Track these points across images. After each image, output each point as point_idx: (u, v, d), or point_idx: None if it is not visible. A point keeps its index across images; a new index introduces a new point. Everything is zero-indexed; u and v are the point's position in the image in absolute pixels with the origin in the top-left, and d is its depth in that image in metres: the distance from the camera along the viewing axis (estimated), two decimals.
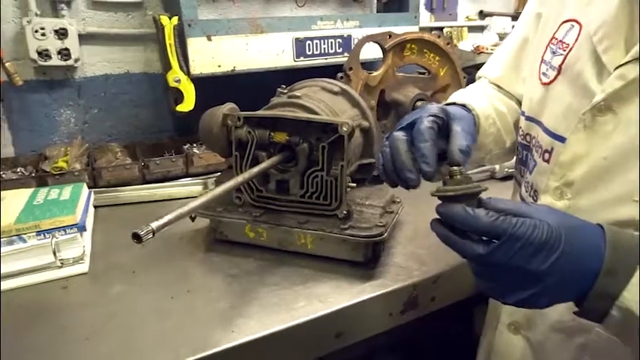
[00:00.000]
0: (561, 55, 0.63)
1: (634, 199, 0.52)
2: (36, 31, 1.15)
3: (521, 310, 0.70)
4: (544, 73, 0.66)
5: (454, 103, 0.74)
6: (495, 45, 1.70)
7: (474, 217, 0.46)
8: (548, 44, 0.66)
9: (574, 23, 0.62)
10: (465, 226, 0.48)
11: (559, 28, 0.64)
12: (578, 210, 0.57)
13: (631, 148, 0.53)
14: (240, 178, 0.67)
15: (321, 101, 0.86)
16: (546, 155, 0.65)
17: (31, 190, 0.97)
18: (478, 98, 0.78)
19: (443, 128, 0.61)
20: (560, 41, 0.63)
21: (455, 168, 0.49)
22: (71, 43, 1.19)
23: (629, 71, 0.52)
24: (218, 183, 0.89)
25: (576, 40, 0.61)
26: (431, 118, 0.60)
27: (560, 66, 0.63)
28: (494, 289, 0.50)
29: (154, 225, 0.47)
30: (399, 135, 0.61)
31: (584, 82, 0.58)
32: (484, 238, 0.47)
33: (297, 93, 0.86)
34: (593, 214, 0.50)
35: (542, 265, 0.44)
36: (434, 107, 0.63)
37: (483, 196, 0.51)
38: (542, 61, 0.67)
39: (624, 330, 0.46)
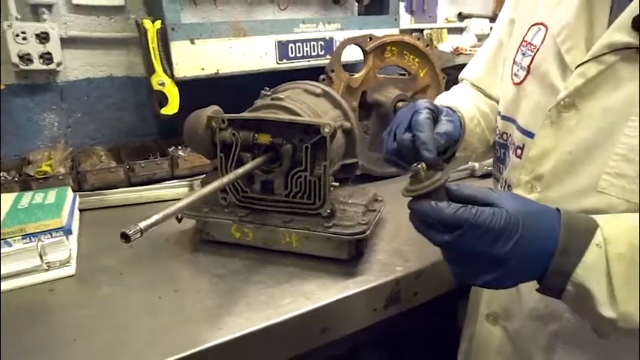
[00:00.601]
0: (530, 56, 0.66)
1: (597, 189, 0.55)
2: (17, 35, 1.15)
3: (497, 300, 0.73)
4: (515, 74, 0.70)
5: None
6: (474, 46, 1.74)
7: (438, 210, 0.50)
8: (519, 46, 0.70)
9: (541, 26, 0.65)
10: (432, 219, 0.51)
11: (528, 30, 0.68)
12: (548, 202, 0.59)
13: (593, 142, 0.56)
14: (225, 179, 0.69)
15: (304, 103, 0.88)
16: (518, 151, 0.68)
17: (15, 194, 0.97)
18: (462, 100, 0.82)
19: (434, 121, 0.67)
20: (529, 43, 0.67)
21: (417, 166, 0.52)
22: (53, 47, 1.19)
23: (589, 69, 0.55)
24: (204, 184, 0.90)
25: (542, 41, 0.64)
26: (427, 110, 0.66)
27: (529, 66, 0.66)
28: (463, 273, 0.53)
29: (142, 225, 0.48)
30: (424, 114, 0.66)
31: (550, 81, 0.61)
32: (450, 228, 0.50)
33: (281, 95, 0.88)
34: (561, 205, 0.53)
35: (503, 249, 0.48)
36: (428, 102, 0.68)
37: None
38: (514, 63, 0.71)
39: (580, 304, 0.49)
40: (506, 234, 0.47)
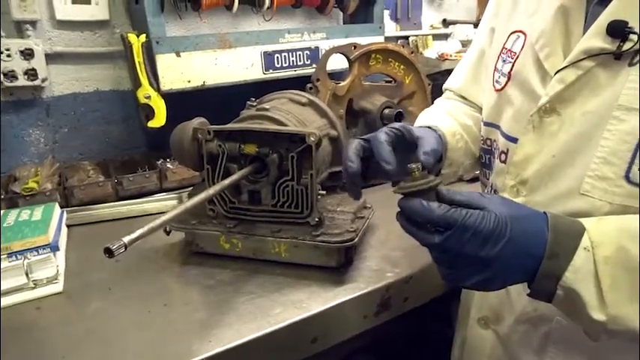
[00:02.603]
0: (510, 62, 0.67)
1: (580, 192, 0.56)
2: (1, 53, 1.14)
3: (488, 304, 0.73)
4: (497, 81, 0.71)
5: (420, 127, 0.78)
6: (459, 52, 1.76)
7: (428, 209, 0.50)
8: (500, 54, 0.71)
9: (520, 34, 0.66)
10: (422, 218, 0.51)
11: (508, 38, 0.69)
12: (534, 205, 0.59)
13: (574, 146, 0.57)
14: (211, 191, 0.69)
15: (289, 112, 0.88)
16: (503, 156, 0.69)
17: (1, 212, 0.96)
18: (441, 118, 0.82)
19: (406, 142, 0.66)
20: (509, 50, 0.68)
21: (413, 166, 0.52)
22: (38, 63, 1.19)
23: (567, 75, 0.57)
24: (191, 196, 0.90)
25: (522, 48, 0.65)
26: (387, 129, 0.65)
27: (509, 73, 0.67)
28: (452, 274, 0.53)
29: (126, 239, 0.48)
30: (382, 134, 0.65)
31: (531, 87, 0.63)
32: (440, 229, 0.50)
33: (266, 105, 0.88)
34: (547, 208, 0.53)
35: (491, 251, 0.48)
36: (394, 124, 0.68)
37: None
38: (495, 69, 0.72)
39: (570, 307, 0.50)
40: (495, 236, 0.48)
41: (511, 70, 0.67)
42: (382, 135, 0.63)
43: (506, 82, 0.68)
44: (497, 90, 0.71)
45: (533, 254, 0.49)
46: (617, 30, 0.52)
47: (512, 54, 0.67)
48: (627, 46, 0.51)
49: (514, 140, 0.66)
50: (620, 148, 0.52)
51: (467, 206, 0.51)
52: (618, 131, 0.52)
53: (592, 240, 0.48)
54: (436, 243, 0.50)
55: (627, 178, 0.52)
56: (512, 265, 0.50)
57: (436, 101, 0.96)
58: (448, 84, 0.94)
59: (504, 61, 0.69)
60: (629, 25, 0.51)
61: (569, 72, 0.56)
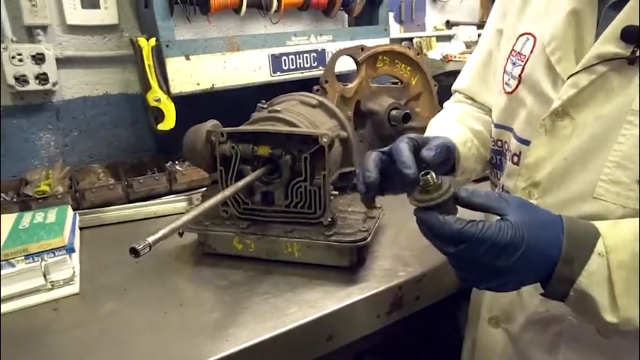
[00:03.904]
0: (520, 65, 0.68)
1: (593, 196, 0.57)
2: (13, 57, 1.15)
3: (499, 304, 0.74)
4: (507, 83, 0.71)
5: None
6: (463, 53, 1.77)
7: (444, 224, 0.51)
8: (509, 56, 0.71)
9: (529, 36, 0.67)
10: (438, 232, 0.52)
11: (517, 40, 0.69)
12: (546, 208, 0.60)
13: (587, 150, 0.57)
14: (227, 192, 0.70)
15: (301, 114, 0.89)
16: (515, 158, 0.70)
17: (15, 215, 0.97)
18: (452, 127, 0.82)
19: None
20: (519, 53, 0.68)
21: (427, 177, 0.53)
22: (49, 67, 1.20)
23: (580, 79, 0.57)
24: (204, 198, 0.91)
25: (532, 51, 0.66)
26: (406, 138, 0.66)
27: (519, 75, 0.68)
28: (467, 277, 0.55)
29: (151, 239, 0.49)
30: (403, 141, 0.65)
31: (542, 90, 0.63)
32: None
33: (277, 107, 0.89)
34: (559, 211, 0.54)
35: (507, 262, 0.49)
36: (411, 134, 0.68)
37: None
38: (504, 72, 0.72)
39: (583, 308, 0.52)
40: (511, 248, 0.49)
41: (521, 72, 0.67)
42: (403, 143, 0.64)
43: (517, 85, 0.68)
44: (507, 93, 0.71)
45: (549, 260, 0.50)
46: (631, 35, 0.52)
47: (522, 57, 0.67)
48: None
49: (527, 143, 0.66)
50: (633, 152, 0.53)
51: (486, 210, 0.52)
52: (632, 136, 0.53)
53: (606, 245, 0.49)
54: (452, 253, 0.51)
55: None
56: (528, 272, 0.51)
57: (445, 105, 0.97)
58: (456, 85, 0.95)
59: (514, 63, 0.69)
60: None
61: (582, 76, 0.57)
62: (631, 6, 0.53)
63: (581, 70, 0.57)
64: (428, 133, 0.82)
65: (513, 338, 0.73)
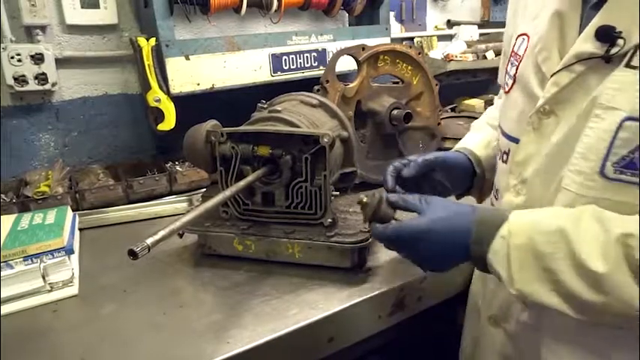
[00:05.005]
0: (515, 65, 0.69)
1: (562, 186, 0.59)
2: (12, 58, 1.15)
3: (497, 303, 0.75)
4: (506, 83, 0.73)
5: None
6: (464, 52, 1.76)
7: (379, 232, 0.68)
8: (510, 57, 0.73)
9: (524, 37, 0.68)
10: (377, 237, 0.69)
11: (516, 41, 0.71)
12: (533, 203, 0.63)
13: (565, 145, 0.59)
14: (227, 192, 0.69)
15: (301, 114, 0.89)
16: (505, 157, 0.71)
17: (14, 216, 0.97)
18: (476, 135, 0.90)
19: (442, 168, 0.82)
20: (516, 53, 0.70)
21: (363, 199, 0.70)
22: (48, 67, 1.19)
23: (561, 78, 0.59)
24: (205, 198, 0.91)
25: (525, 51, 0.67)
26: (391, 165, 0.80)
27: (514, 75, 0.70)
28: (417, 264, 0.69)
29: (149, 241, 0.49)
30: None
31: (531, 89, 0.65)
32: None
33: (278, 107, 0.89)
34: (544, 205, 0.59)
35: (428, 248, 0.64)
36: (429, 154, 0.82)
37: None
38: (506, 72, 0.74)
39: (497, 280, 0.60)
40: (426, 237, 0.63)
41: (516, 72, 0.69)
42: (389, 167, 0.79)
43: (512, 85, 0.70)
44: (505, 92, 0.73)
45: (463, 243, 0.61)
46: (605, 35, 0.54)
47: (518, 57, 0.69)
48: (615, 49, 0.53)
49: (516, 141, 0.68)
50: (596, 144, 0.54)
51: (410, 210, 0.67)
52: (597, 128, 0.55)
53: (509, 229, 0.58)
54: (391, 248, 0.70)
55: (602, 173, 0.54)
56: (449, 254, 0.63)
57: (488, 108, 0.99)
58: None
59: (512, 64, 0.71)
60: (617, 30, 0.53)
61: (563, 75, 0.59)
62: (607, 6, 0.55)
63: (562, 69, 0.59)
64: (458, 145, 0.91)
65: (511, 336, 0.73)
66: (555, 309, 0.55)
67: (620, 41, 0.52)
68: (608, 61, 0.54)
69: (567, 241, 0.53)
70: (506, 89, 0.72)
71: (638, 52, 0.52)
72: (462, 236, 0.61)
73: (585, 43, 0.56)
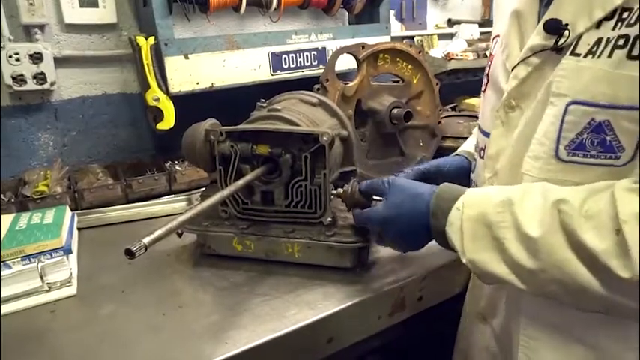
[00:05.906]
0: (489, 64, 0.73)
1: (521, 171, 0.61)
2: (10, 57, 1.14)
3: (484, 299, 0.76)
4: (485, 83, 0.75)
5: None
6: (465, 51, 1.75)
7: (356, 219, 0.76)
8: (489, 58, 0.75)
9: (497, 38, 0.71)
10: (356, 223, 0.77)
11: (493, 42, 0.74)
12: None
13: (527, 135, 0.61)
14: (226, 192, 0.69)
15: (301, 113, 0.88)
16: (482, 152, 0.74)
17: (13, 215, 0.96)
18: (475, 134, 0.88)
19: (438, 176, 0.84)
20: (491, 54, 0.73)
21: (339, 191, 0.78)
22: (46, 66, 1.19)
23: (519, 71, 0.62)
24: (204, 197, 0.90)
25: (495, 50, 0.70)
26: (414, 169, 0.85)
27: (487, 74, 0.73)
28: (390, 246, 0.74)
29: (146, 240, 0.48)
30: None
31: (499, 85, 0.68)
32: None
33: (277, 106, 0.88)
34: None
35: (393, 229, 0.68)
36: (423, 165, 0.87)
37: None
38: (485, 74, 0.76)
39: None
40: (390, 219, 0.68)
41: (489, 71, 0.73)
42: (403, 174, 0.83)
43: (487, 83, 0.74)
44: (482, 91, 0.76)
45: (422, 220, 0.64)
46: (553, 27, 0.57)
47: (492, 56, 0.72)
48: (562, 40, 0.57)
49: (488, 135, 0.70)
50: (549, 130, 0.57)
51: (376, 195, 0.72)
52: (551, 115, 0.57)
53: (464, 202, 0.60)
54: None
55: (557, 157, 0.57)
56: (414, 233, 0.66)
57: None
58: None
59: (488, 64, 0.74)
60: (564, 23, 0.56)
61: (521, 68, 0.62)
62: (556, 1, 0.58)
63: (519, 62, 0.62)
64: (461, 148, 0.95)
65: (496, 332, 0.74)
66: (504, 280, 0.57)
67: (566, 32, 0.56)
68: (559, 51, 0.57)
69: (512, 211, 0.56)
70: (484, 88, 0.75)
71: (581, 40, 0.55)
72: (422, 214, 0.64)
73: (537, 37, 0.60)
